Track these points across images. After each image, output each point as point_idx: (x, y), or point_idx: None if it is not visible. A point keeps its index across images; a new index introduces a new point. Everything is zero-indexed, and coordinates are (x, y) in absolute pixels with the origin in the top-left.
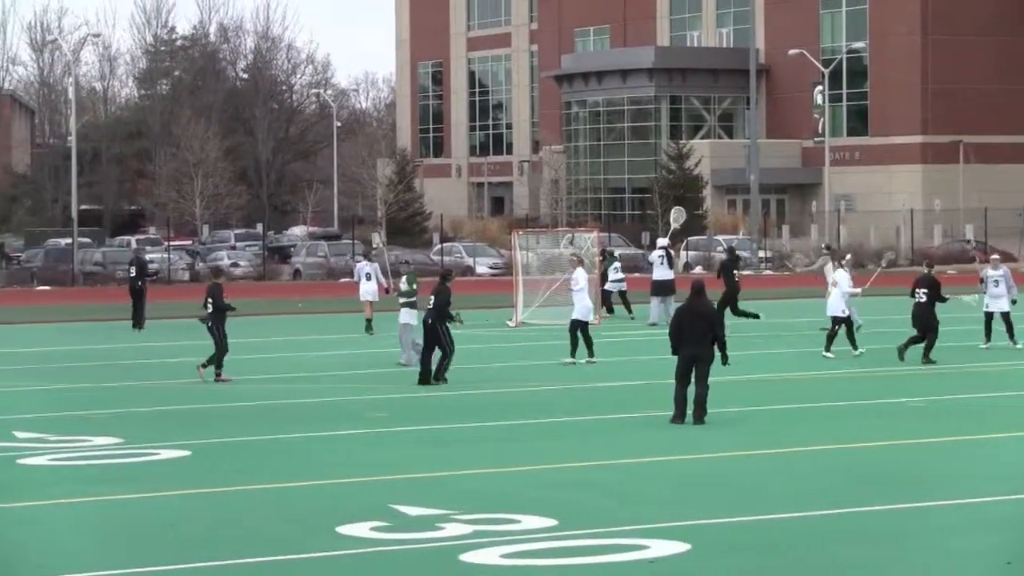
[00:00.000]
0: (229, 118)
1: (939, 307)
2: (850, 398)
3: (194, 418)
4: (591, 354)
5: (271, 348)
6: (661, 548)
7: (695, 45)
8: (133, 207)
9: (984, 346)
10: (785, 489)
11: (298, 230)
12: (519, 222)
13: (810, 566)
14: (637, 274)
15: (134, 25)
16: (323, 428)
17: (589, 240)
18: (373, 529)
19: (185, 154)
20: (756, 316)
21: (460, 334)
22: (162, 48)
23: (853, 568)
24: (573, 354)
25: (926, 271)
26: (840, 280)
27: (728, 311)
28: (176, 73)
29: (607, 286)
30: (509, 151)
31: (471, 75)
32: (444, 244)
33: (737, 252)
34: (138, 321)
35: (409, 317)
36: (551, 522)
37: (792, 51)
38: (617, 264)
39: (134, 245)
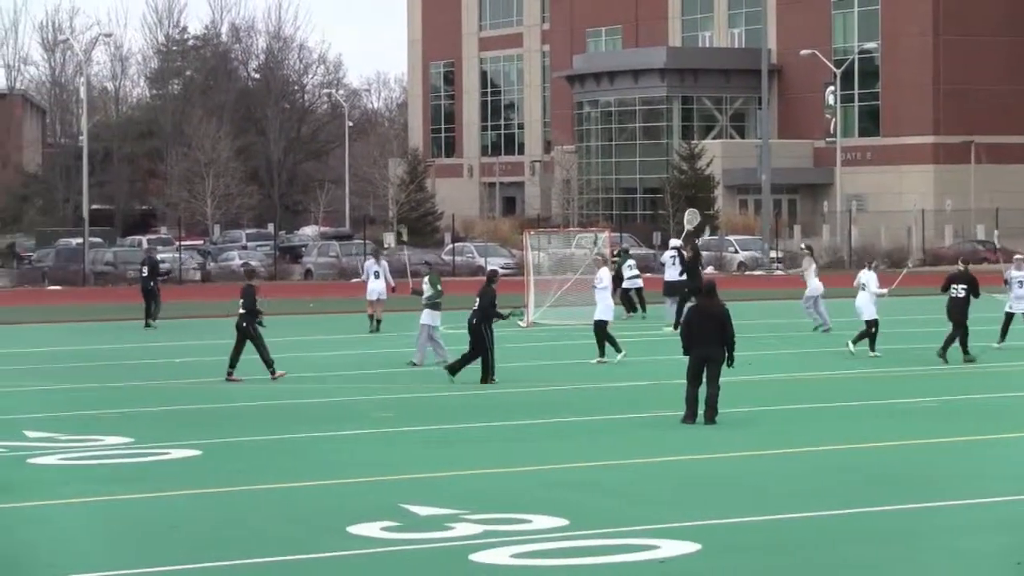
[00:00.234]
0: (241, 118)
1: (973, 304)
2: (861, 398)
3: (204, 418)
4: (602, 354)
5: (282, 348)
6: (671, 548)
7: (707, 45)
8: (144, 207)
9: (997, 345)
10: (795, 489)
11: (309, 230)
12: (531, 222)
13: (820, 566)
14: (648, 274)
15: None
16: (332, 428)
17: (600, 240)
18: (383, 529)
19: (196, 154)
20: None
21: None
22: (174, 48)
23: (863, 568)
24: (602, 353)
25: (962, 268)
26: (868, 281)
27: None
28: (188, 73)
29: (625, 284)
30: (521, 151)
31: (483, 75)
32: (456, 244)
33: (701, 251)
34: (151, 318)
35: (431, 318)
36: (561, 522)
37: (804, 51)
38: (632, 261)
39: (145, 245)
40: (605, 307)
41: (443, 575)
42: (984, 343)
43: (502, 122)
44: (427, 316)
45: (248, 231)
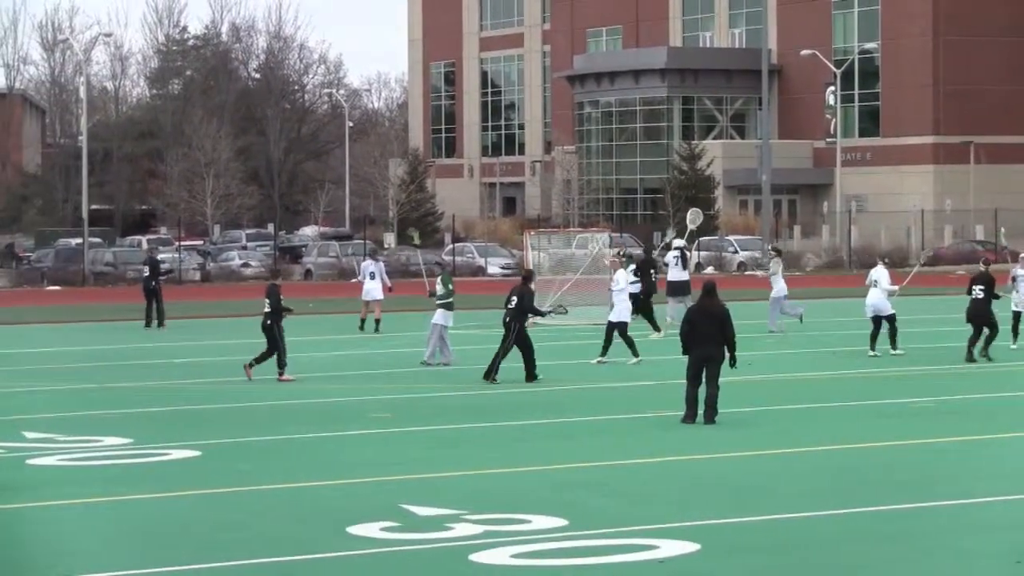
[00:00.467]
0: (241, 118)
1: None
2: (860, 398)
3: (204, 418)
4: (604, 353)
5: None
6: (671, 548)
7: (707, 46)
8: (144, 207)
9: (1014, 346)
10: (795, 489)
11: (309, 230)
12: (531, 222)
13: (819, 566)
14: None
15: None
16: (332, 428)
17: (600, 241)
18: (383, 529)
19: (196, 154)
20: (657, 329)
21: (475, 335)
22: (174, 48)
23: (862, 568)
24: (635, 353)
25: (983, 268)
26: (880, 278)
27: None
28: (188, 73)
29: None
30: (521, 151)
31: (483, 75)
32: (456, 244)
33: (655, 254)
34: (150, 320)
35: (444, 318)
36: (561, 522)
37: (804, 52)
38: (633, 266)
39: (145, 245)
40: (622, 309)
41: (443, 575)
42: (1000, 344)
43: (502, 122)
44: (440, 316)
45: (248, 231)
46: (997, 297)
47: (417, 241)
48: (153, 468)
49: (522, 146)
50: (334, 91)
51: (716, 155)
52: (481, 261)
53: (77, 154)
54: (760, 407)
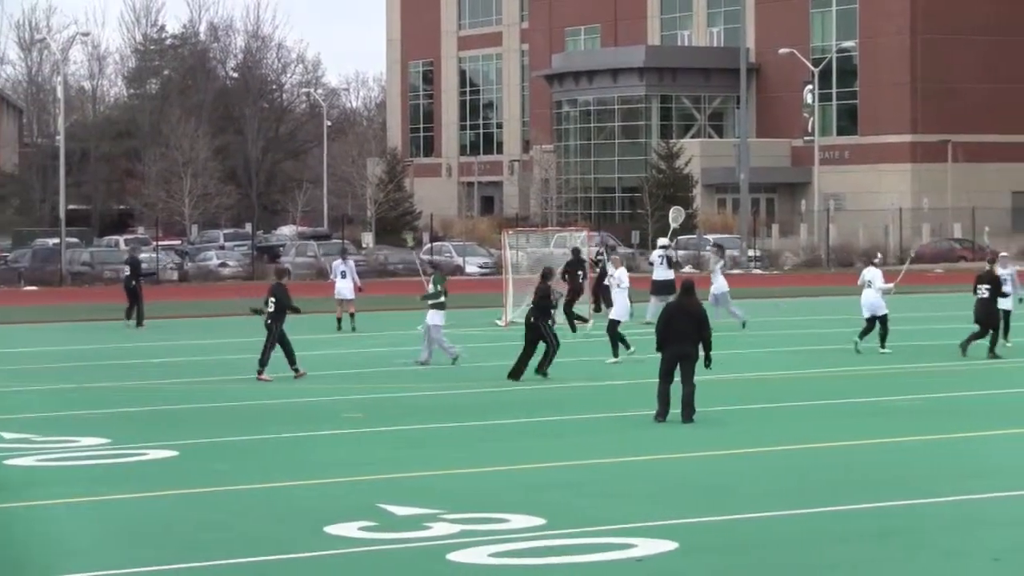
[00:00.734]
0: (219, 117)
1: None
2: (837, 396)
3: (181, 418)
4: (616, 354)
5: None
6: (648, 547)
7: (686, 44)
8: (122, 207)
9: (1009, 343)
10: (772, 488)
11: (287, 230)
12: (509, 221)
13: (798, 565)
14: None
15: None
16: (310, 428)
17: (579, 239)
18: (361, 529)
19: (174, 153)
20: (584, 320)
21: (449, 334)
22: (151, 47)
23: (841, 567)
24: (627, 347)
25: (988, 267)
26: (874, 278)
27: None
28: (165, 72)
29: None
30: (499, 150)
31: (462, 74)
32: (434, 244)
33: (581, 254)
34: (130, 316)
35: (439, 318)
36: (539, 521)
37: (782, 50)
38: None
39: (123, 245)
40: (621, 308)
41: (421, 575)
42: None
43: (481, 121)
44: (434, 316)
45: (226, 231)
46: (1004, 296)
47: (412, 244)
48: (131, 468)
49: (500, 145)
50: (312, 90)
51: (694, 154)
52: (459, 260)
53: (54, 154)
54: (737, 406)
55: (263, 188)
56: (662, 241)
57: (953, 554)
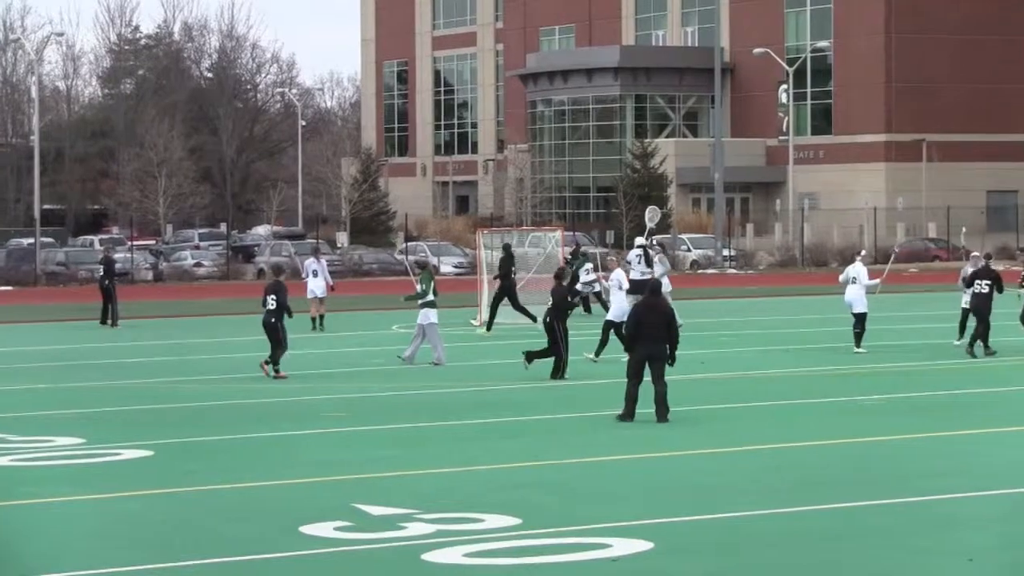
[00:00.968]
0: (193, 117)
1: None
2: (815, 396)
3: (156, 418)
4: (599, 353)
5: (235, 348)
6: (624, 547)
7: (660, 44)
8: (96, 207)
9: (956, 343)
10: (748, 487)
11: (262, 229)
12: (484, 221)
13: (772, 565)
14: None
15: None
16: (285, 428)
17: (554, 240)
18: (336, 529)
19: (149, 153)
20: (493, 317)
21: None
22: (126, 47)
23: (816, 567)
24: (597, 352)
25: (984, 263)
26: (859, 275)
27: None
28: (140, 72)
29: (579, 286)
30: (474, 150)
31: (436, 74)
32: (409, 243)
33: (513, 250)
34: (106, 319)
35: (434, 316)
36: (514, 521)
37: (757, 50)
38: (589, 265)
39: (97, 245)
40: (619, 308)
41: (396, 575)
42: (935, 342)
43: (455, 121)
44: (428, 315)
45: (200, 231)
46: (1001, 291)
47: (402, 248)
48: (106, 468)
49: (475, 145)
50: (287, 90)
51: (669, 153)
52: (434, 260)
53: (29, 154)
54: (713, 405)
55: (238, 188)
56: (639, 240)
57: (928, 553)
